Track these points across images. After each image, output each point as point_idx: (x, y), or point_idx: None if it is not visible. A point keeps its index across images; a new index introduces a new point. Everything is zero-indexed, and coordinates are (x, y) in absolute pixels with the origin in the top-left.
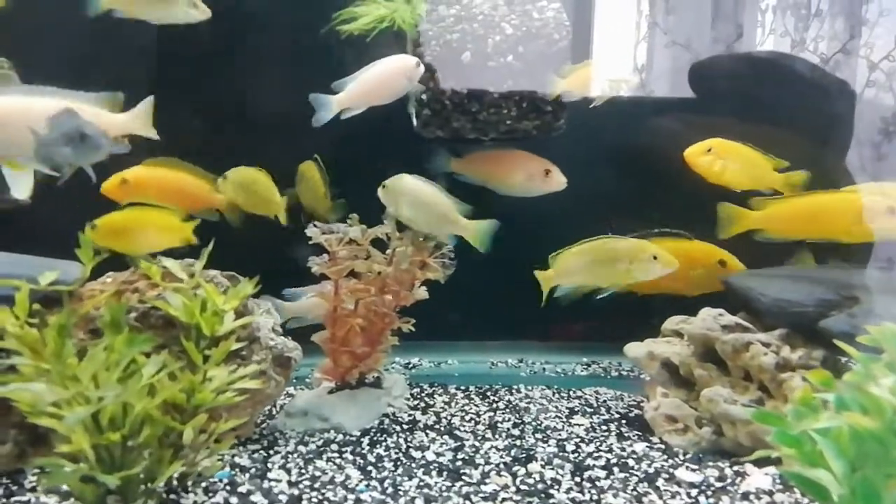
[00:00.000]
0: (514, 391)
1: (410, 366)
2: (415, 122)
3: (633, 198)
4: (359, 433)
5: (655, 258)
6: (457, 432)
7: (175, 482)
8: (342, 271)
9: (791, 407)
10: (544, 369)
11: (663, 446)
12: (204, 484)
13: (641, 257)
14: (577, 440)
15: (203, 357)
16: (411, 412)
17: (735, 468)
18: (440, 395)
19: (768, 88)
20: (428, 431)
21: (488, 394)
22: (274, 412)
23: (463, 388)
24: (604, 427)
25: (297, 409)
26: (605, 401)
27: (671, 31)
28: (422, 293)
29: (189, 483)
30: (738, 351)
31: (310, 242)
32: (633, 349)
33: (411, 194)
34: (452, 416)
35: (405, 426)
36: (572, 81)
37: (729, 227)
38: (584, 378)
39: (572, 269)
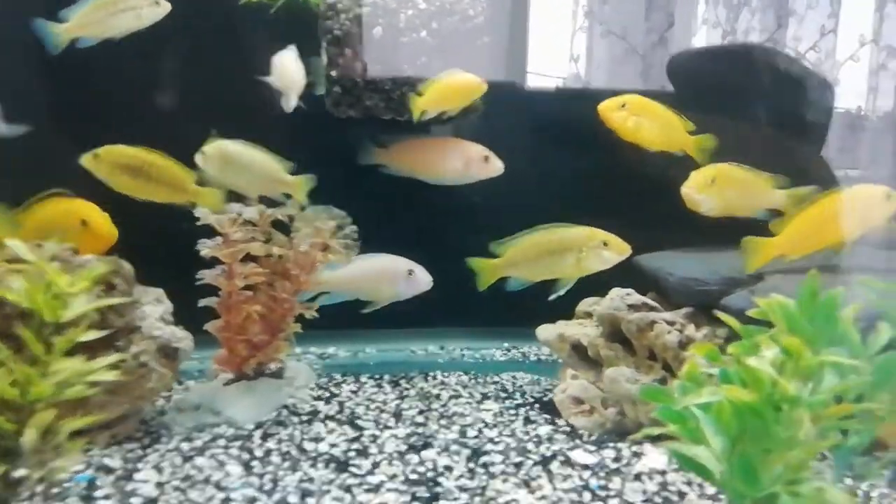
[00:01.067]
0: (429, 378)
1: (325, 355)
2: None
3: (556, 182)
4: (252, 426)
5: (606, 244)
6: (358, 422)
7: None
8: (235, 254)
9: (677, 382)
10: (463, 355)
11: (569, 429)
12: (55, 490)
13: (591, 244)
14: (482, 426)
15: (46, 346)
16: (314, 403)
17: (633, 448)
18: (350, 384)
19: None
20: (327, 422)
21: (401, 381)
22: (167, 407)
23: (377, 376)
24: (512, 412)
25: (189, 403)
26: (521, 385)
27: (607, 20)
28: None
29: (25, 491)
30: (643, 330)
31: (197, 223)
32: (544, 332)
33: (233, 158)
34: (357, 405)
35: (304, 417)
36: (428, 99)
37: (756, 260)
38: (503, 363)
39: (520, 259)
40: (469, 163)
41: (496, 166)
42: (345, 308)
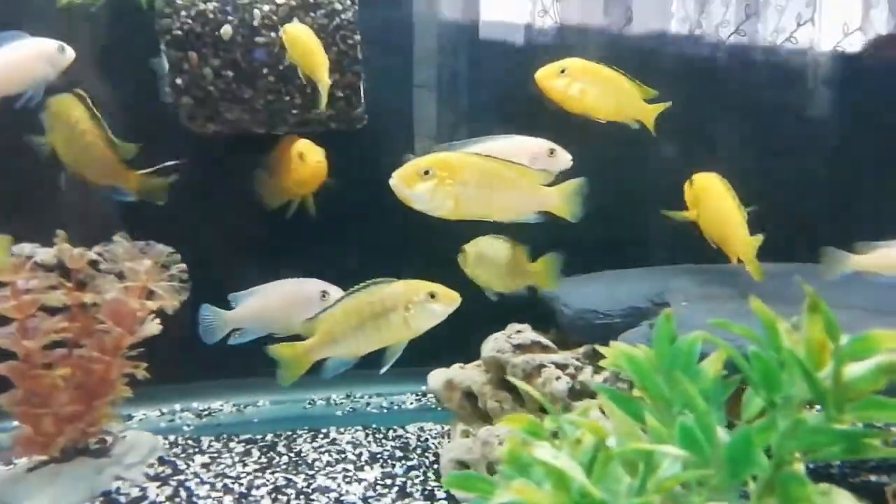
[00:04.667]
0: (318, 437)
1: (206, 412)
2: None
3: None
4: None
5: (433, 296)
6: None
7: None
8: (26, 307)
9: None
10: (368, 404)
11: (447, 503)
12: None
13: (416, 299)
14: None
15: None
16: (146, 485)
17: None
18: (209, 452)
19: None
20: None
21: (279, 445)
22: None
23: (254, 438)
24: (389, 481)
25: None
26: (426, 439)
27: (563, 18)
28: (152, 328)
29: None
30: (531, 375)
31: None
32: (433, 378)
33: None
34: (201, 484)
35: None
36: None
37: (833, 269)
38: (413, 412)
39: (337, 335)
40: (535, 158)
41: (564, 158)
42: (233, 353)
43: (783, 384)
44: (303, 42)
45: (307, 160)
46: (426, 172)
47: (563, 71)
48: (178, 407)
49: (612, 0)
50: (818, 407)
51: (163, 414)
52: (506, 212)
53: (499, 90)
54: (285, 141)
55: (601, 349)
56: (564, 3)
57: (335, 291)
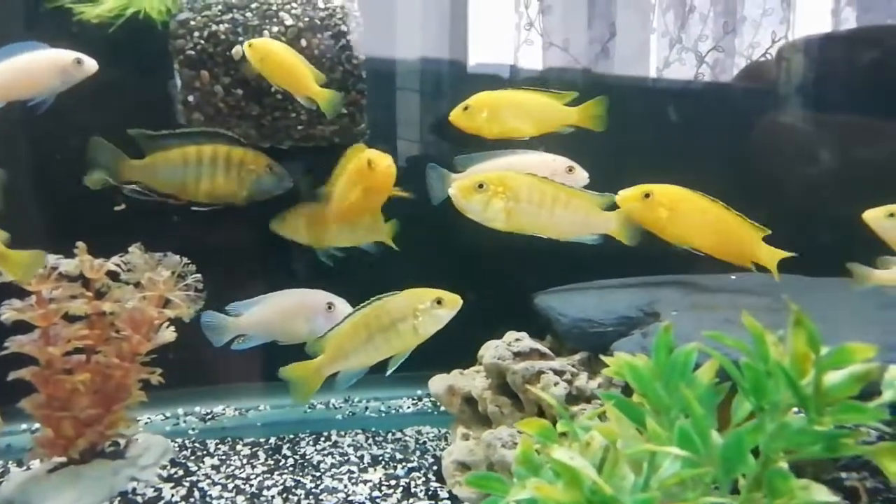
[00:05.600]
0: (320, 440)
1: (209, 416)
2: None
3: None
4: None
5: (440, 302)
6: None
7: None
8: (50, 315)
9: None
10: (367, 408)
11: (450, 502)
12: None
13: (423, 307)
14: None
15: None
16: (160, 486)
17: None
18: (217, 455)
19: None
20: None
21: (284, 448)
22: None
23: (258, 441)
24: (393, 482)
25: (1, 498)
26: (424, 442)
27: (548, 31)
28: (167, 335)
29: None
30: (530, 382)
31: None
32: (435, 383)
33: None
34: (213, 485)
35: None
36: None
37: (861, 283)
38: (410, 416)
39: (347, 349)
40: (554, 174)
41: (582, 176)
42: (236, 360)
43: (770, 391)
44: (279, 58)
45: (377, 167)
46: (481, 186)
47: (466, 108)
48: (181, 411)
49: (596, 15)
50: (795, 409)
51: (167, 418)
52: (562, 230)
53: None
54: (348, 154)
55: (604, 358)
56: (549, 16)
57: (340, 304)
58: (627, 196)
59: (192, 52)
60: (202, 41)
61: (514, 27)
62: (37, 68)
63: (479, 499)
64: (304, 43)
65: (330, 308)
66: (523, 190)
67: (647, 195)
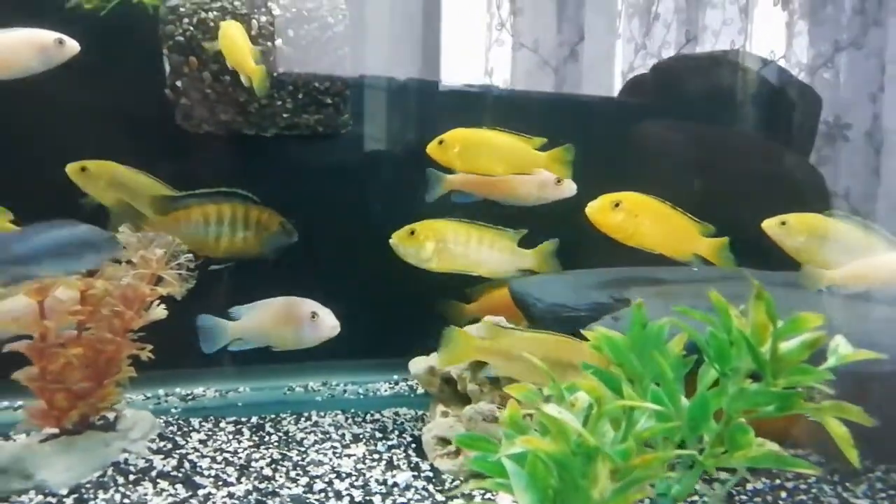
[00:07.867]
0: (301, 420)
1: (189, 396)
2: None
3: None
4: (66, 491)
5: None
6: (196, 479)
7: None
8: (44, 290)
9: (501, 427)
10: (345, 391)
11: (432, 473)
12: None
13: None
14: (335, 476)
15: None
16: (150, 458)
17: (488, 495)
18: (203, 431)
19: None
20: (159, 481)
21: (266, 426)
22: None
23: (240, 420)
24: (376, 456)
25: None
26: (402, 423)
27: (518, 32)
28: (159, 312)
29: None
30: None
31: None
32: (415, 365)
33: None
34: (202, 457)
35: (133, 477)
36: None
37: (813, 285)
38: (387, 398)
39: (511, 355)
40: (543, 185)
41: (570, 187)
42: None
43: (733, 358)
44: (230, 36)
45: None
46: (616, 205)
47: (441, 142)
48: (161, 392)
49: (565, 18)
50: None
51: (147, 398)
52: (489, 268)
53: None
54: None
55: (584, 332)
56: (520, 18)
57: (324, 313)
58: (597, 207)
59: (181, 38)
60: (191, 28)
61: (486, 27)
62: (12, 46)
63: (458, 470)
64: (290, 33)
65: (314, 317)
66: (450, 234)
67: (616, 204)
